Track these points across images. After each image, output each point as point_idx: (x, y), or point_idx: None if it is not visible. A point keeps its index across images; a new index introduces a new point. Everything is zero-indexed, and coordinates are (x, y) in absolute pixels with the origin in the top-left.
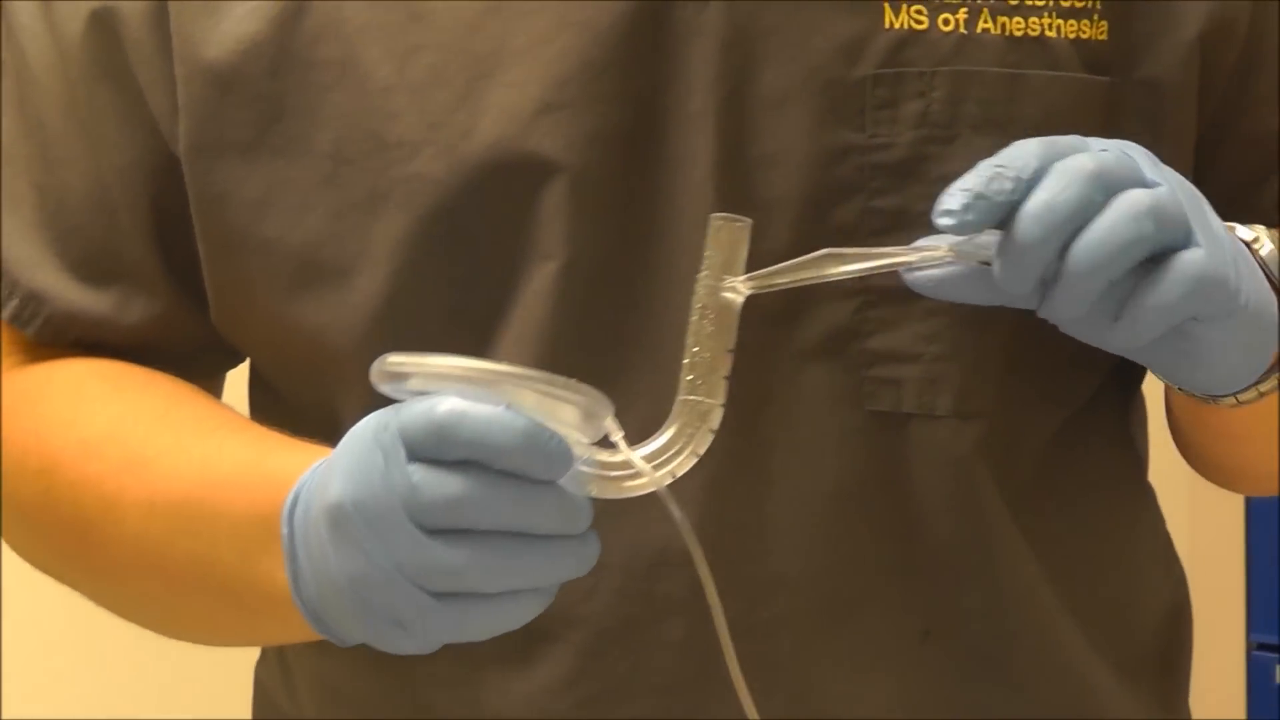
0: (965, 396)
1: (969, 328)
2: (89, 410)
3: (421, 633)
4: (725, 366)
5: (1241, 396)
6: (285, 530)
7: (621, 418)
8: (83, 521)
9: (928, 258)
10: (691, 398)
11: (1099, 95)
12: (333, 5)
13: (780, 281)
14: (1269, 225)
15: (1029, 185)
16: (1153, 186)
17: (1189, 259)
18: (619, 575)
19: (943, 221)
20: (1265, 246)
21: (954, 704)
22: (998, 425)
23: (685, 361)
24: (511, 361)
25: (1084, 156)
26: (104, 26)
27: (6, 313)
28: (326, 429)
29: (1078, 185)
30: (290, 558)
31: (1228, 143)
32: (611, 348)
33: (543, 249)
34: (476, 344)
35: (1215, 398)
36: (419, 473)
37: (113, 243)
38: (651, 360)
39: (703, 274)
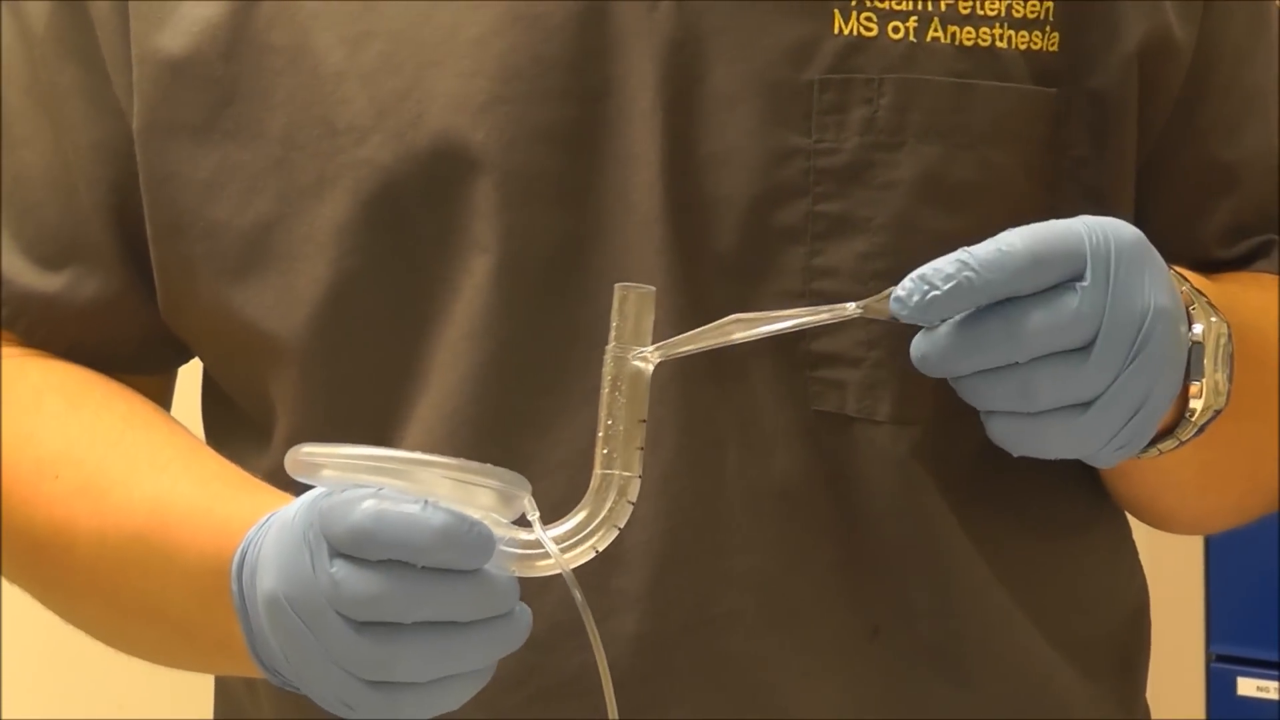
0: (903, 403)
1: (908, 337)
2: (46, 425)
3: (364, 714)
4: (639, 437)
5: (1162, 446)
6: (235, 588)
7: (569, 419)
8: (33, 540)
9: (836, 316)
10: (609, 472)
11: (1047, 106)
12: None
13: (688, 349)
14: (1206, 254)
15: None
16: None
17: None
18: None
19: (905, 304)
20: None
21: (904, 701)
22: (933, 431)
23: (600, 435)
24: (456, 363)
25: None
26: (72, 7)
27: None
28: (261, 421)
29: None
30: (243, 616)
31: (1172, 171)
32: (561, 343)
33: (480, 242)
34: (418, 336)
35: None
36: (341, 570)
37: (70, 222)
38: (601, 358)
39: (610, 345)
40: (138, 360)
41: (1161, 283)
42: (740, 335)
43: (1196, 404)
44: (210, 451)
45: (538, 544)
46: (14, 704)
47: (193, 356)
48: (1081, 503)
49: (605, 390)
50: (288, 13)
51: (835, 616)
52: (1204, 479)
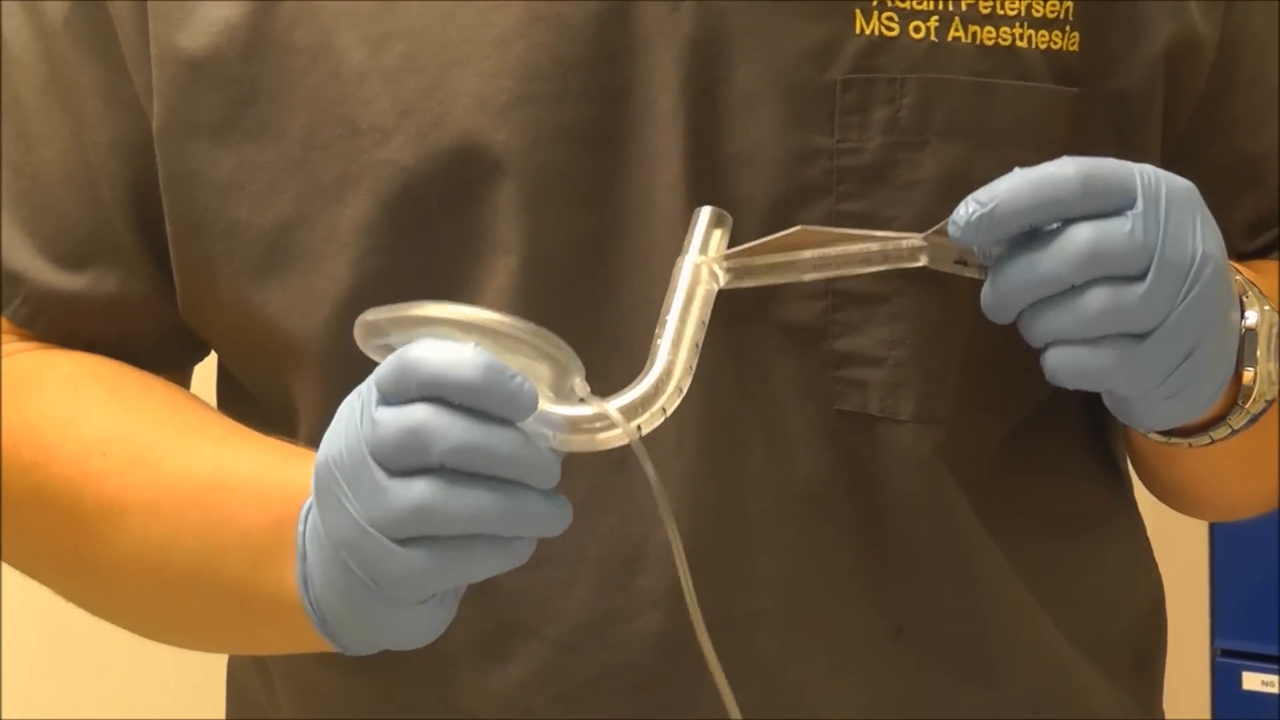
0: (926, 402)
1: (930, 335)
2: (87, 410)
3: (391, 588)
4: (697, 336)
5: (1214, 433)
6: (300, 528)
7: None
8: (77, 519)
9: (900, 245)
10: (666, 359)
11: (1067, 106)
12: None
13: (755, 264)
14: (1232, 248)
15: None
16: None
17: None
18: (596, 569)
19: (964, 215)
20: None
21: (928, 701)
22: (957, 430)
23: (657, 330)
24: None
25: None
26: (91, 4)
27: None
28: (283, 420)
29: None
30: (301, 559)
31: (1196, 167)
32: (583, 344)
33: (504, 243)
34: None
35: (1189, 438)
36: (383, 413)
37: (89, 220)
38: (625, 358)
39: (682, 255)
40: (156, 357)
41: (1211, 233)
42: (810, 255)
43: (1250, 391)
44: (267, 437)
45: (589, 419)
46: (14, 704)
47: (209, 354)
48: (1098, 499)
49: (670, 296)
50: (309, 13)
51: (858, 616)
52: (1246, 467)
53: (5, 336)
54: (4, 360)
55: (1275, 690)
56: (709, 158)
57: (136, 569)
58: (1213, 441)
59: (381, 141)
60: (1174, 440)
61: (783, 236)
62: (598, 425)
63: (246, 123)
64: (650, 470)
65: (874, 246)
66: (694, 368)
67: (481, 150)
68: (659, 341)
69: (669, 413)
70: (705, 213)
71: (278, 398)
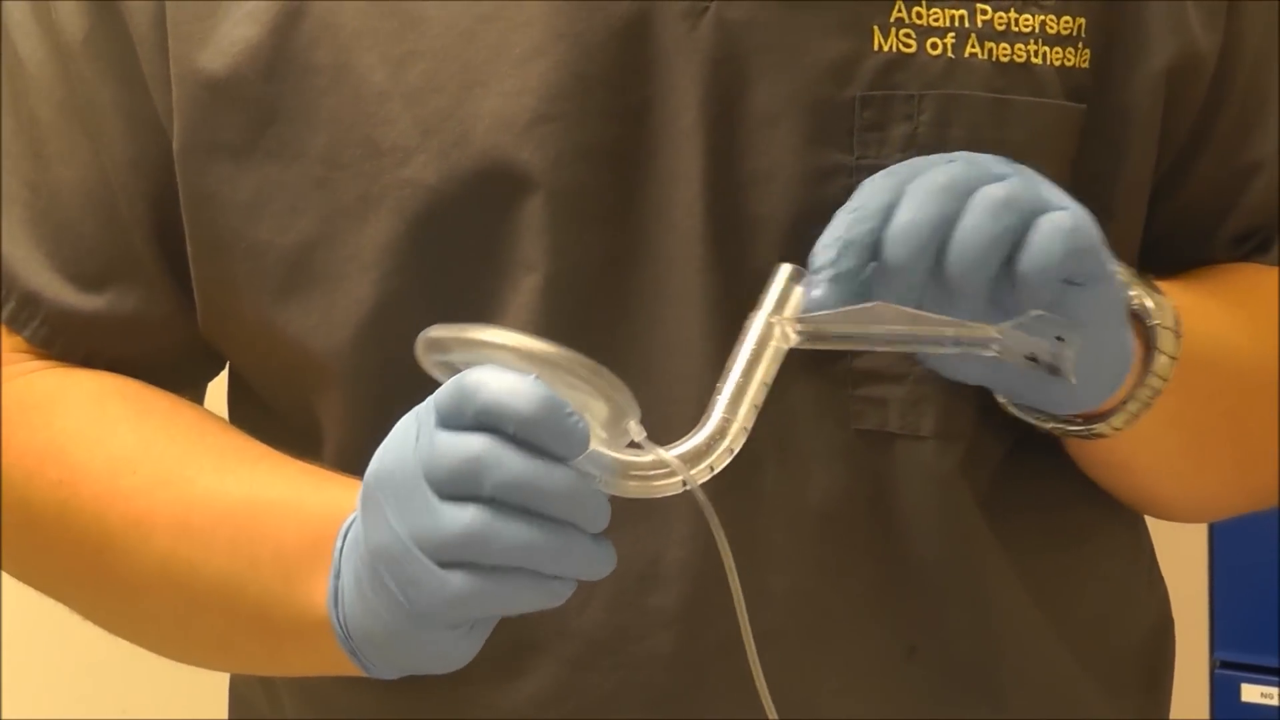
0: (948, 417)
1: None
2: (114, 428)
3: (426, 608)
4: (758, 397)
5: (1114, 422)
6: (338, 544)
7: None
8: (102, 536)
9: (975, 336)
10: (722, 415)
11: (1077, 122)
12: (328, 11)
13: (828, 331)
14: (1214, 258)
15: (886, 215)
16: (1004, 179)
17: (1056, 217)
18: (610, 587)
19: (822, 275)
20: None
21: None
22: (976, 445)
23: (720, 384)
24: None
25: (932, 173)
26: (111, 24)
27: (5, 314)
28: (307, 438)
29: (932, 199)
30: (335, 575)
31: (1189, 177)
32: (601, 361)
33: (528, 260)
34: None
35: (1090, 428)
36: (441, 436)
37: (107, 239)
38: (643, 375)
39: (756, 311)
40: (174, 375)
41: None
42: (882, 330)
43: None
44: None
45: (644, 466)
46: (14, 704)
47: (223, 369)
48: (1099, 512)
49: (739, 349)
50: (330, 33)
51: (872, 636)
52: (1193, 461)
53: (23, 356)
54: (25, 379)
55: (1275, 702)
56: (728, 176)
57: (162, 585)
58: (1135, 417)
59: (404, 161)
60: (1072, 431)
61: (862, 309)
62: (653, 473)
63: (267, 143)
64: (714, 521)
65: (948, 331)
66: (749, 429)
67: (505, 169)
68: (718, 396)
69: (716, 471)
70: (785, 270)
71: (300, 416)
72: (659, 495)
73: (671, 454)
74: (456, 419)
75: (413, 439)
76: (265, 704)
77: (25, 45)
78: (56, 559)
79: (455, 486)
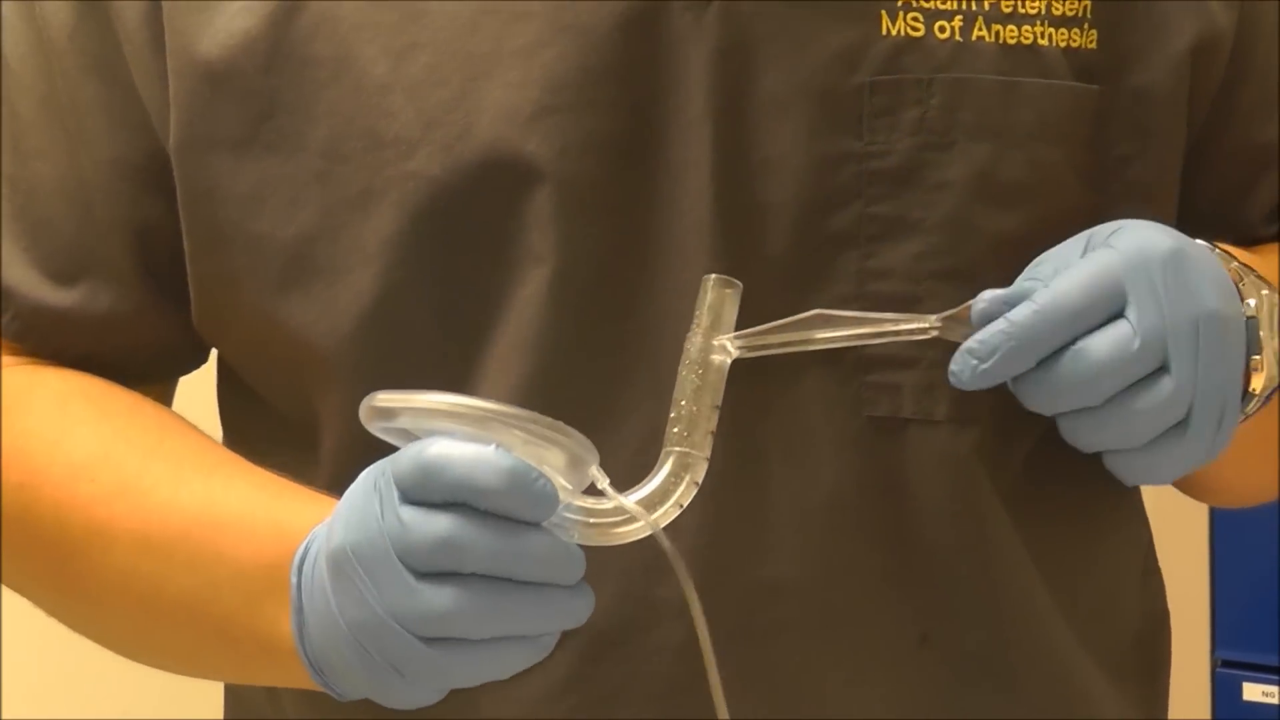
0: (962, 401)
1: None
2: (75, 431)
3: (414, 679)
4: (711, 422)
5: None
6: (294, 580)
7: (623, 424)
8: (65, 544)
9: (915, 330)
10: (678, 449)
11: (1090, 104)
12: (328, 3)
13: (768, 342)
14: (1252, 234)
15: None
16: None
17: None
18: (617, 579)
19: (980, 363)
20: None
21: (951, 708)
22: (991, 429)
23: (672, 414)
24: (506, 374)
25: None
26: (97, 21)
27: None
28: (304, 432)
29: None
30: (296, 610)
31: (1215, 153)
32: (610, 353)
33: (535, 252)
34: (466, 348)
35: None
36: (408, 514)
37: (85, 236)
38: (652, 366)
39: (693, 333)
40: (147, 371)
41: (1206, 282)
42: (823, 335)
43: (1258, 378)
44: (258, 467)
45: (607, 513)
46: (14, 704)
47: (198, 366)
48: (1112, 501)
49: (682, 373)
50: (329, 24)
51: (883, 624)
52: (1265, 449)
53: None
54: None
55: (1276, 701)
56: (737, 165)
57: (125, 598)
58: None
59: (407, 154)
60: None
61: (799, 320)
62: (618, 519)
63: (267, 135)
64: (668, 545)
65: (887, 327)
66: (708, 458)
67: (509, 161)
68: (673, 429)
69: (684, 506)
70: (711, 280)
71: (299, 410)
72: (627, 541)
73: (633, 499)
74: (422, 494)
75: (376, 513)
76: (262, 696)
77: (8, 40)
78: (25, 562)
79: (432, 566)
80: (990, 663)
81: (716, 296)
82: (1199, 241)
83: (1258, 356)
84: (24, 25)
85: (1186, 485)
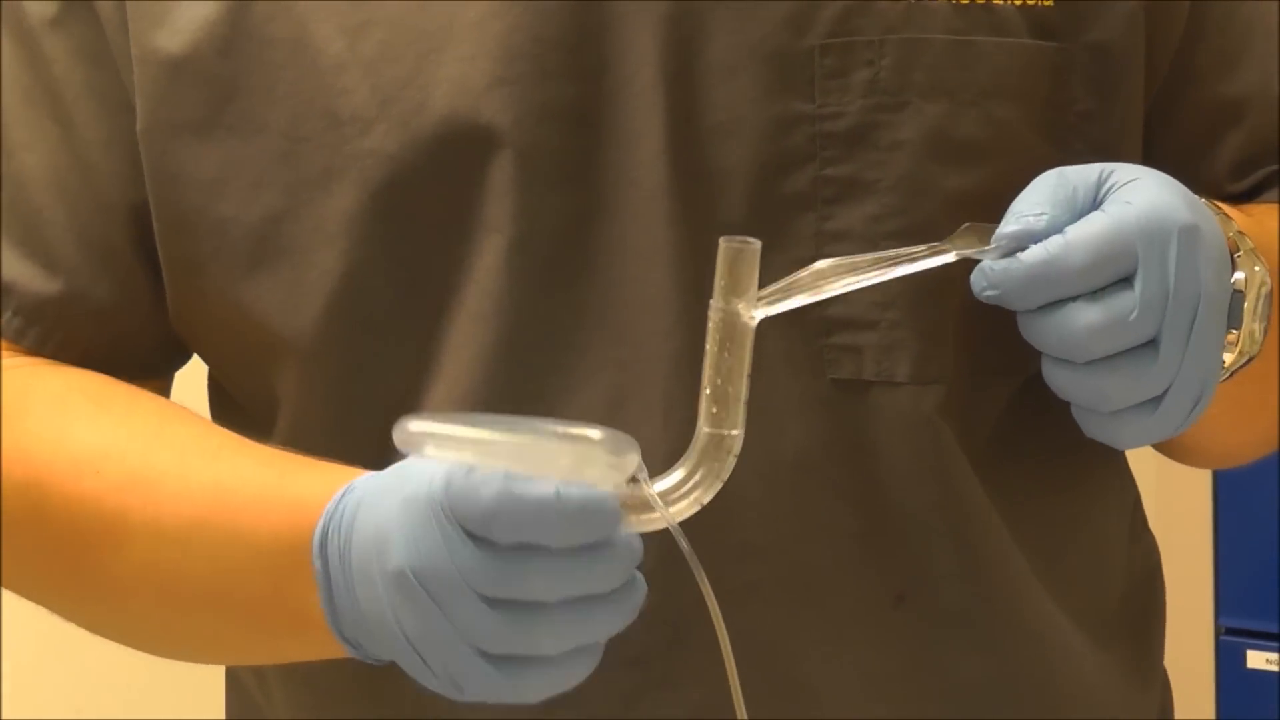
0: (923, 362)
1: (923, 295)
2: (76, 427)
3: (475, 694)
4: (745, 392)
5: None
6: (318, 565)
7: (577, 394)
8: (79, 541)
9: (937, 263)
10: (715, 431)
11: (1047, 61)
12: None
13: (794, 299)
14: (1218, 190)
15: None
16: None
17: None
18: None
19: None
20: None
21: (929, 668)
22: (956, 390)
23: (706, 393)
24: (468, 345)
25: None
26: (81, 6)
27: None
28: (265, 415)
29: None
30: (326, 595)
31: (1176, 111)
32: (570, 321)
33: (492, 222)
34: (428, 322)
35: None
36: (480, 552)
37: (80, 224)
38: (612, 333)
39: (715, 300)
40: (148, 363)
41: (1212, 263)
42: (843, 280)
43: (1230, 353)
44: (261, 445)
45: (641, 499)
46: (14, 704)
47: (190, 359)
48: (1094, 463)
49: (712, 349)
50: (285, 6)
51: (857, 585)
52: (1235, 415)
53: None
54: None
55: (1279, 669)
56: (690, 130)
57: (145, 589)
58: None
59: (364, 131)
60: None
61: (810, 273)
62: (673, 496)
63: (228, 119)
64: (685, 545)
65: (905, 265)
66: (741, 431)
67: (465, 133)
68: (711, 409)
69: (723, 480)
70: (726, 245)
71: (259, 394)
72: (646, 530)
73: (661, 486)
74: (486, 534)
75: (440, 545)
76: (259, 692)
77: None
78: (37, 564)
79: (507, 595)
80: (966, 622)
81: (728, 256)
82: (1201, 201)
83: (1235, 331)
84: (3, 18)
85: (1162, 445)
